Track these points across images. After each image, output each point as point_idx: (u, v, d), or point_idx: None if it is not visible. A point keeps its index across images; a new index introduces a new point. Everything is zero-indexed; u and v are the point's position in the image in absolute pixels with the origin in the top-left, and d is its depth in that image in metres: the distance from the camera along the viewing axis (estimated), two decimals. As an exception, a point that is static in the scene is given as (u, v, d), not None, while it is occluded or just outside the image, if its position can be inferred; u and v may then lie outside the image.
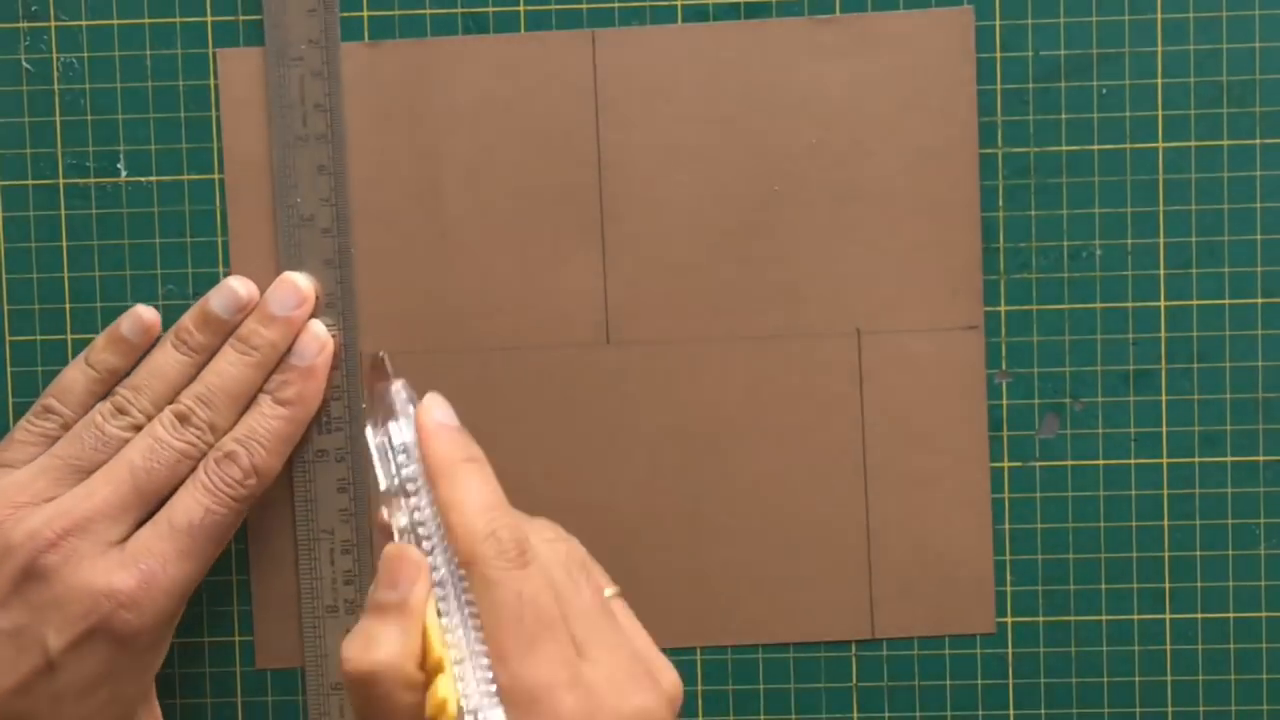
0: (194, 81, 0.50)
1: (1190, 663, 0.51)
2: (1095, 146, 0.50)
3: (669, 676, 0.42)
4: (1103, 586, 0.51)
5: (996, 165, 0.50)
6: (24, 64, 0.50)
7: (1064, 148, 0.50)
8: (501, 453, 0.50)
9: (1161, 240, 0.50)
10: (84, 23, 0.50)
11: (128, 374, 0.48)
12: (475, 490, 0.42)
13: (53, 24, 0.50)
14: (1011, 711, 0.51)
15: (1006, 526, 0.51)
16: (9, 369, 0.51)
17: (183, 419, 0.47)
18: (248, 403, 0.48)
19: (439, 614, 0.41)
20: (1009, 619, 0.51)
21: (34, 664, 0.44)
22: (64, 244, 0.50)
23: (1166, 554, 0.50)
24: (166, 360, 0.48)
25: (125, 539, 0.46)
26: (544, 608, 0.40)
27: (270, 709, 0.51)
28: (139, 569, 0.45)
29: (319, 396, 0.48)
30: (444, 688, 0.39)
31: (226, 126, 0.50)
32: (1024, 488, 0.51)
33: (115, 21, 0.50)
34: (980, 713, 0.51)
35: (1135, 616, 0.51)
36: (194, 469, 0.47)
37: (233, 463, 0.47)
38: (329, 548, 0.49)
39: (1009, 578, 0.51)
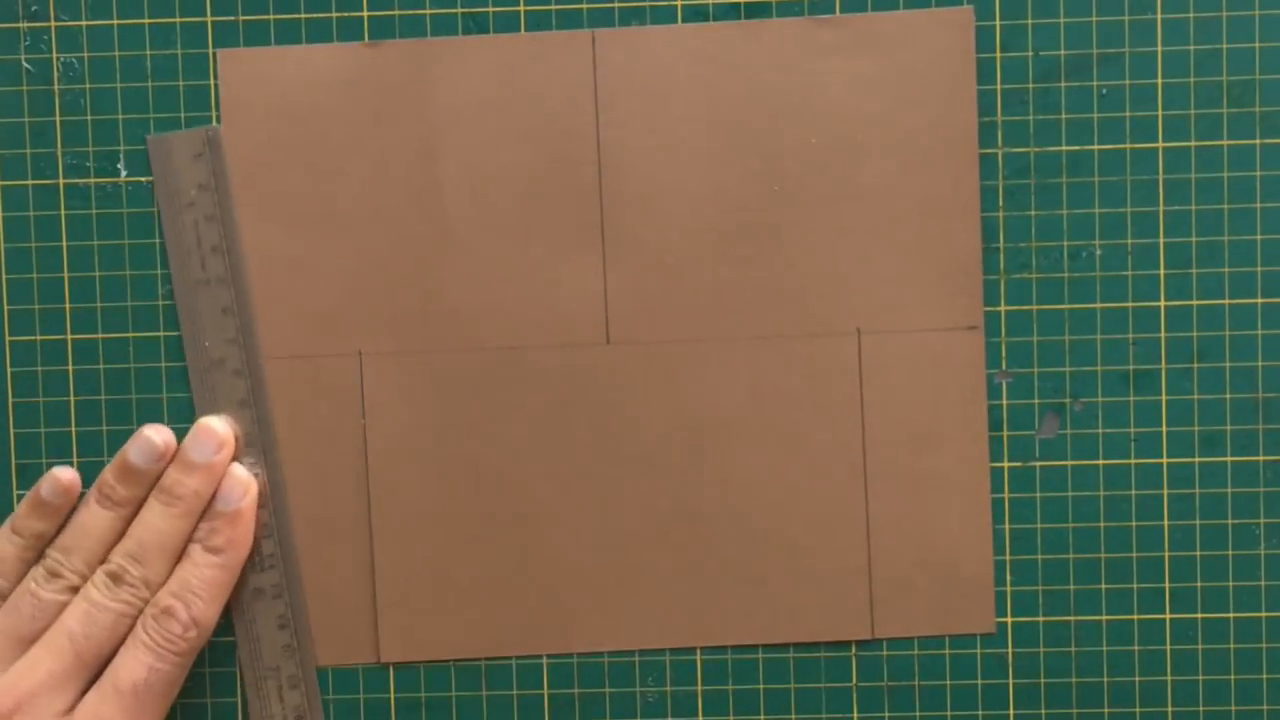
0: (194, 81, 0.50)
1: (1190, 663, 0.51)
2: (1095, 146, 0.50)
3: None
4: (1103, 586, 0.51)
5: (996, 165, 0.50)
6: (24, 64, 0.50)
7: (1064, 148, 0.50)
8: (502, 453, 0.50)
9: (1161, 240, 0.50)
10: (84, 23, 0.50)
11: (55, 536, 0.48)
12: None
13: (53, 24, 0.50)
14: (1011, 711, 0.51)
15: (1006, 526, 0.51)
16: (9, 369, 0.51)
17: (116, 579, 0.47)
18: (179, 553, 0.48)
19: None
20: (1009, 619, 0.51)
21: None
22: (64, 244, 0.50)
23: (1166, 554, 0.51)
24: (92, 518, 0.48)
25: (73, 707, 0.46)
26: None
27: (270, 709, 0.51)
28: None
29: (249, 539, 0.48)
30: None
31: (226, 126, 0.50)
32: (1024, 488, 0.51)
33: (115, 21, 0.50)
34: (980, 713, 0.51)
35: (1135, 616, 0.51)
36: (133, 627, 0.47)
37: (171, 617, 0.47)
38: (276, 685, 0.50)
39: (1009, 578, 0.51)
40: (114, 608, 0.47)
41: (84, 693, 0.46)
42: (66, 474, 0.49)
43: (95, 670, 0.46)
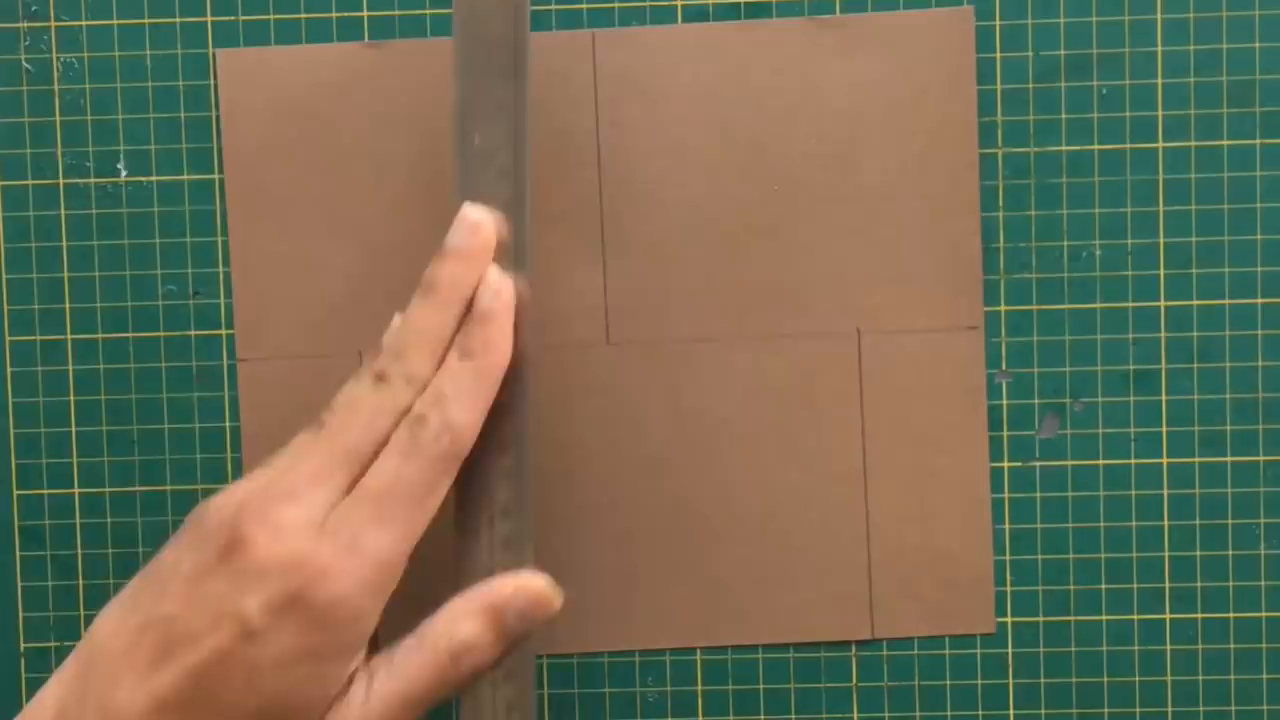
0: (194, 81, 0.50)
1: (1190, 663, 0.51)
2: (1095, 146, 0.50)
3: None
4: (1103, 586, 0.51)
5: (996, 165, 0.50)
6: (24, 64, 0.50)
7: (1064, 148, 0.50)
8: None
9: (1161, 240, 0.50)
10: (84, 23, 0.50)
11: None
12: None
13: (53, 24, 0.50)
14: (1011, 711, 0.51)
15: (1006, 526, 0.51)
16: (9, 369, 0.51)
17: (380, 377, 0.45)
18: (442, 348, 0.45)
19: None
20: (1009, 619, 0.51)
21: (233, 634, 0.43)
22: (64, 244, 0.50)
23: (1166, 554, 0.51)
24: (424, 316, 0.45)
25: (334, 506, 0.44)
26: None
27: (270, 709, 0.51)
28: (340, 537, 0.43)
29: (502, 345, 0.45)
30: None
31: (226, 126, 0.50)
32: (1024, 488, 0.51)
33: (115, 21, 0.50)
34: (980, 713, 0.51)
35: (1135, 616, 0.51)
36: (396, 425, 0.45)
37: (421, 424, 0.44)
38: (488, 515, 0.47)
39: (1009, 578, 0.51)
40: (371, 404, 0.44)
41: (347, 492, 0.44)
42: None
43: (355, 471, 0.44)
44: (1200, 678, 0.51)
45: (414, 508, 0.44)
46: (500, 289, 0.45)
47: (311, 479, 0.44)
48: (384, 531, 0.44)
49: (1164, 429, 0.50)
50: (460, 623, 0.45)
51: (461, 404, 0.44)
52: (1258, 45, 0.49)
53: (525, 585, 0.45)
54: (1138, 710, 0.51)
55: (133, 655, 0.43)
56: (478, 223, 0.45)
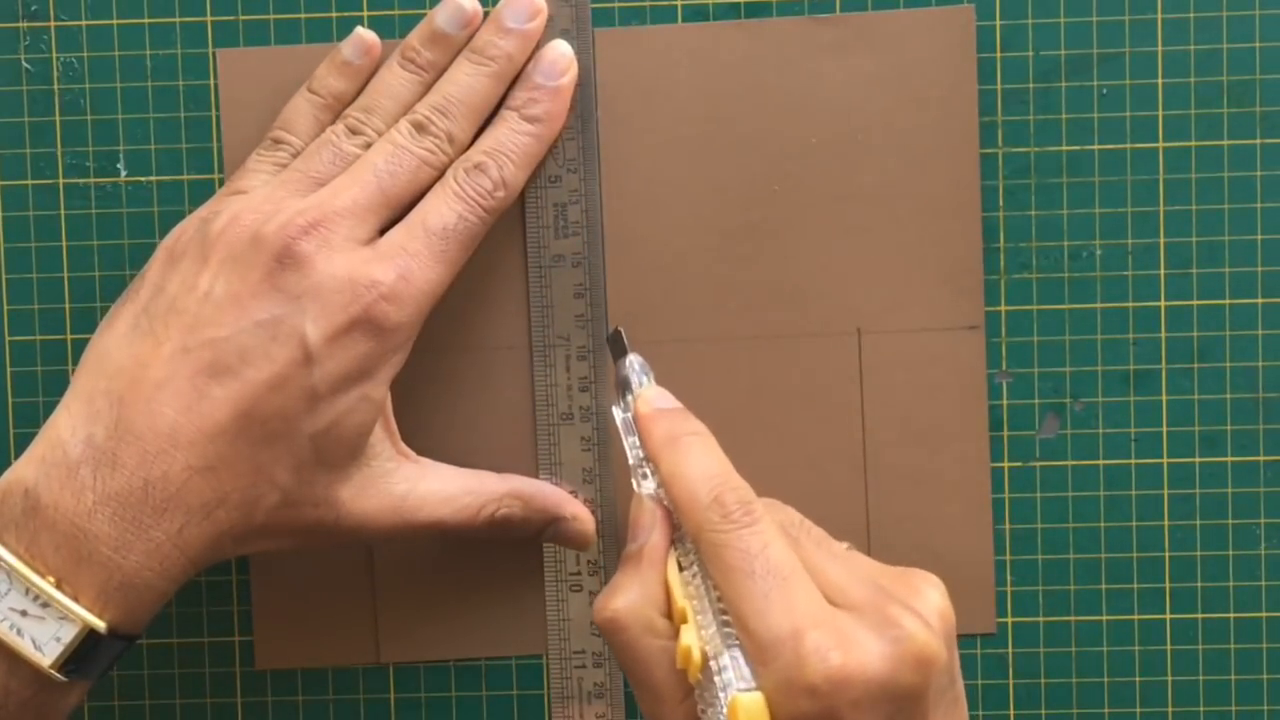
0: (194, 81, 0.50)
1: (1190, 663, 0.51)
2: (1095, 146, 0.50)
3: (928, 600, 0.41)
4: (1103, 586, 0.51)
5: (996, 165, 0.50)
6: (24, 64, 0.50)
7: (1064, 148, 0.50)
8: (502, 453, 0.50)
9: (1161, 240, 0.50)
10: (84, 23, 0.50)
11: (353, 99, 0.48)
12: (696, 461, 0.43)
13: (53, 24, 0.50)
14: (1011, 711, 0.51)
15: (1006, 526, 0.51)
16: (9, 369, 0.51)
17: (420, 128, 0.47)
18: (485, 115, 0.48)
19: (680, 568, 0.42)
20: (1009, 619, 0.51)
21: (291, 356, 0.43)
22: (64, 244, 0.50)
23: (1166, 554, 0.51)
24: (395, 79, 0.48)
25: (370, 240, 0.45)
26: (775, 560, 0.40)
27: (270, 709, 0.51)
28: (396, 263, 0.44)
29: (563, 117, 0.48)
30: (687, 636, 0.40)
31: (226, 126, 0.50)
32: (1024, 488, 0.51)
33: (115, 21, 0.50)
34: (980, 713, 0.51)
35: (1135, 616, 0.51)
36: (434, 179, 0.46)
37: (482, 173, 0.46)
38: (565, 354, 0.49)
39: (1009, 578, 0.51)
40: (417, 153, 0.46)
41: (381, 232, 0.46)
42: (369, 34, 0.48)
43: (393, 213, 0.46)
44: (1201, 678, 0.51)
45: (461, 250, 0.46)
46: (570, 65, 0.48)
47: (358, 209, 0.45)
48: (439, 267, 0.45)
49: (1164, 429, 0.50)
50: (515, 505, 0.48)
51: (518, 164, 0.47)
52: (1258, 45, 0.49)
53: (581, 520, 0.49)
54: (1138, 710, 0.51)
55: (175, 383, 0.43)
56: (535, 7, 0.48)
